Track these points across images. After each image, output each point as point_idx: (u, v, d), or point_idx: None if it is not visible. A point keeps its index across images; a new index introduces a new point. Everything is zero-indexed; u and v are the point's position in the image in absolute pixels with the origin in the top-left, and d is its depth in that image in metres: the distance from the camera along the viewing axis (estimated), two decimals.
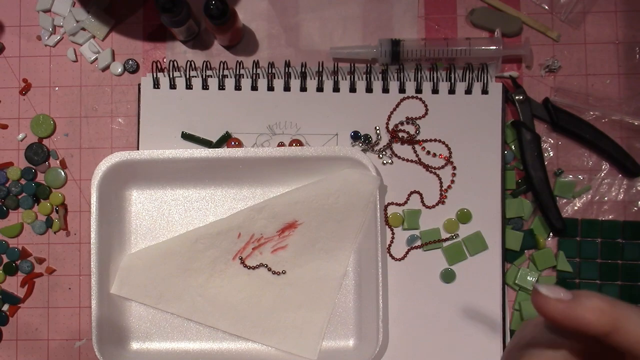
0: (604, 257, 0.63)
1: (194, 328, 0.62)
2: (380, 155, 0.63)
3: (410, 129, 0.63)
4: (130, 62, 0.65)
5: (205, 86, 0.63)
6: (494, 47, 0.62)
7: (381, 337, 0.57)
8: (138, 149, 0.63)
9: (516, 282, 0.62)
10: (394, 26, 0.65)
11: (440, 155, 0.63)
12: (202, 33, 0.65)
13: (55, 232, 0.64)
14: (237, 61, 0.63)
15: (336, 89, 0.63)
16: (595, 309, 0.22)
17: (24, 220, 0.64)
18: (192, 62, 0.63)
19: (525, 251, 0.63)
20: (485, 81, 0.62)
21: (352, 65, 0.63)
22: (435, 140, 0.63)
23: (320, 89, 0.63)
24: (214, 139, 0.63)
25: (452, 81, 0.63)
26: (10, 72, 0.65)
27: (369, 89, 0.63)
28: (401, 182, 0.63)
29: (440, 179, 0.63)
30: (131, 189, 0.62)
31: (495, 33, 0.63)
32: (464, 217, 0.62)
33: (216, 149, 0.61)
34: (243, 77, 0.63)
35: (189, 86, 0.63)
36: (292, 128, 0.63)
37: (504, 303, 0.61)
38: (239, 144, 0.63)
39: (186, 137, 0.63)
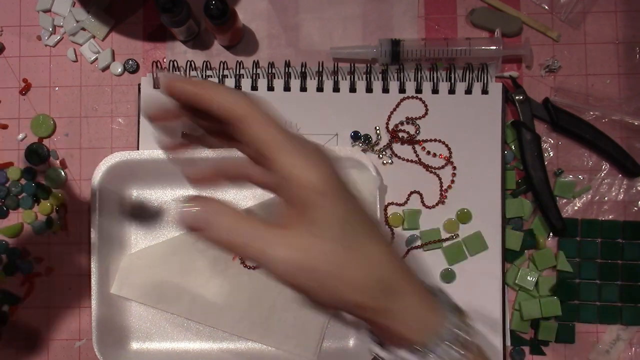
0: (604, 257, 0.63)
1: (194, 328, 0.62)
2: (380, 155, 0.63)
3: (410, 129, 0.63)
4: (130, 62, 0.65)
5: None
6: (494, 47, 0.62)
7: None
8: (138, 149, 0.63)
9: (516, 282, 0.62)
10: (394, 26, 0.65)
11: (440, 155, 0.63)
12: (202, 33, 0.65)
13: (55, 232, 0.64)
14: (237, 61, 0.63)
15: (336, 89, 0.63)
16: (192, 82, 0.30)
17: (24, 220, 0.64)
18: (192, 62, 0.63)
19: (525, 251, 0.63)
20: (485, 81, 0.62)
21: (352, 65, 0.63)
22: (435, 140, 0.63)
23: (320, 89, 0.63)
24: None
25: (452, 81, 0.63)
26: (10, 72, 0.65)
27: (369, 89, 0.63)
28: (401, 182, 0.63)
29: (440, 179, 0.63)
30: (131, 189, 0.62)
31: (495, 33, 0.63)
32: (464, 217, 0.62)
33: (216, 149, 0.61)
34: (243, 77, 0.63)
35: None
36: (292, 128, 0.63)
37: (504, 303, 0.61)
38: None
39: (187, 137, 0.63)
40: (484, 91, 0.62)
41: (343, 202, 0.30)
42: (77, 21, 0.65)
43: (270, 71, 0.63)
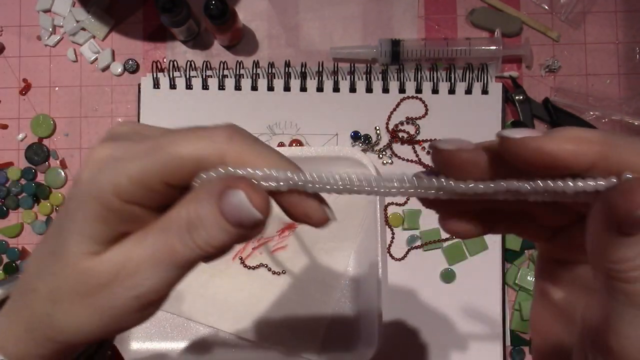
0: None
1: (194, 328, 0.62)
2: (380, 155, 0.63)
3: (410, 129, 0.63)
4: (130, 62, 0.65)
5: (205, 86, 0.63)
6: (494, 47, 0.62)
7: (381, 337, 0.57)
8: None
9: (516, 282, 0.62)
10: (394, 26, 0.65)
11: None
12: (202, 33, 0.65)
13: None
14: (237, 61, 0.63)
15: (336, 89, 0.63)
16: (574, 138, 0.19)
17: (24, 220, 0.64)
18: (192, 62, 0.63)
19: (526, 251, 0.63)
20: (485, 81, 0.62)
21: (352, 65, 0.63)
22: (435, 140, 0.63)
23: (320, 89, 0.63)
24: None
25: (452, 81, 0.63)
26: (10, 72, 0.65)
27: (369, 89, 0.63)
28: None
29: None
30: None
31: (495, 33, 0.63)
32: None
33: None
34: (243, 77, 0.63)
35: (189, 86, 0.63)
36: (292, 128, 0.63)
37: (504, 303, 0.61)
38: None
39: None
40: (484, 91, 0.62)
41: None
42: (77, 21, 0.65)
43: (270, 71, 0.63)
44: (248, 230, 0.22)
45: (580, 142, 0.19)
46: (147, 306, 0.23)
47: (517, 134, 0.20)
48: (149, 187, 0.22)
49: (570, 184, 0.19)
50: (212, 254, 0.22)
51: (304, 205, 0.24)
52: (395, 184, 0.23)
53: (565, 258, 0.25)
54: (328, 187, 0.23)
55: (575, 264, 0.24)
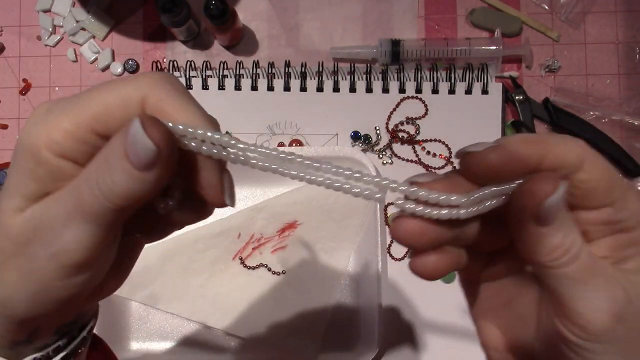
0: None
1: (194, 328, 0.62)
2: (380, 155, 0.63)
3: (410, 129, 0.63)
4: (130, 62, 0.65)
5: (205, 86, 0.63)
6: (494, 47, 0.62)
7: (381, 337, 0.57)
8: None
9: None
10: (394, 26, 0.65)
11: (440, 155, 0.63)
12: (202, 33, 0.65)
13: None
14: (237, 61, 0.63)
15: (336, 89, 0.63)
16: (520, 142, 0.22)
17: None
18: (192, 62, 0.63)
19: None
20: (485, 81, 0.62)
21: (352, 65, 0.63)
22: (435, 140, 0.63)
23: (320, 89, 0.63)
24: None
25: (452, 81, 0.63)
26: (10, 72, 0.65)
27: (369, 89, 0.63)
28: None
29: None
30: None
31: (495, 33, 0.63)
32: None
33: None
34: (243, 77, 0.63)
35: (189, 86, 0.63)
36: (292, 128, 0.63)
37: None
38: None
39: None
40: (484, 91, 0.62)
41: None
42: (77, 21, 0.65)
43: (270, 71, 0.63)
44: (152, 170, 0.20)
45: (528, 145, 0.21)
46: (71, 270, 0.22)
47: (474, 147, 0.22)
48: (81, 138, 0.21)
49: (494, 188, 0.21)
50: (121, 206, 0.21)
51: (206, 173, 0.23)
52: (328, 173, 0.22)
53: (494, 277, 0.26)
54: (252, 159, 0.22)
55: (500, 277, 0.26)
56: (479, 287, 0.27)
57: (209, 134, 0.21)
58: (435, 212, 0.21)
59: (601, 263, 0.23)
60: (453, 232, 0.22)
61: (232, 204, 0.23)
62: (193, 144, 0.21)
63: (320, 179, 0.22)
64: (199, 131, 0.21)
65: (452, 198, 0.21)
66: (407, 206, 0.21)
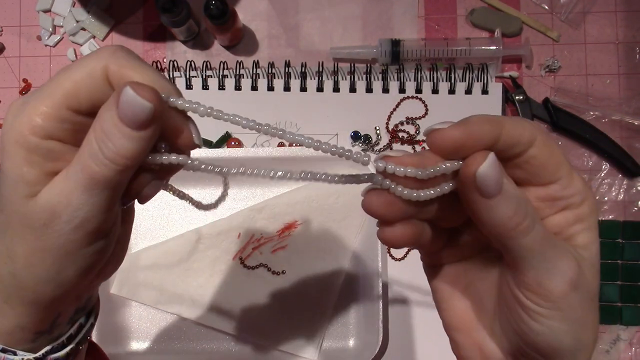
0: (604, 257, 0.62)
1: (194, 328, 0.62)
2: None
3: (410, 129, 0.63)
4: None
5: (205, 86, 0.63)
6: (494, 47, 0.62)
7: (381, 337, 0.57)
8: None
9: None
10: (394, 26, 0.65)
11: None
12: (202, 33, 0.65)
13: None
14: (237, 61, 0.63)
15: (336, 89, 0.63)
16: (480, 121, 0.24)
17: None
18: (192, 62, 0.63)
19: None
20: (485, 81, 0.62)
21: (352, 65, 0.63)
22: None
23: (320, 89, 0.63)
24: (214, 139, 0.63)
25: (452, 81, 0.63)
26: (10, 72, 0.66)
27: (369, 89, 0.63)
28: None
29: None
30: None
31: (495, 33, 0.63)
32: None
33: (216, 149, 0.61)
34: (243, 77, 0.63)
35: (189, 86, 0.63)
36: (292, 128, 0.63)
37: None
38: (239, 144, 0.63)
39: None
40: (484, 91, 0.62)
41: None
42: (77, 21, 0.65)
43: (270, 71, 0.63)
44: (148, 127, 0.23)
45: (486, 124, 0.24)
46: (93, 237, 0.24)
47: (440, 125, 0.25)
48: (60, 117, 0.23)
49: (443, 166, 0.24)
50: (128, 165, 0.23)
51: (179, 125, 0.25)
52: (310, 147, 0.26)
53: (451, 260, 0.29)
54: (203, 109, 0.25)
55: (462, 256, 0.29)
56: (441, 270, 0.29)
57: (179, 101, 0.24)
58: (400, 189, 0.23)
59: (554, 236, 0.25)
60: (416, 207, 0.25)
61: (200, 145, 0.26)
62: (172, 99, 0.24)
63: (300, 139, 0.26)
64: (172, 99, 0.24)
65: (409, 170, 0.23)
66: (377, 180, 0.24)
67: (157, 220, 0.62)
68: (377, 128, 0.63)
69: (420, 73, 0.63)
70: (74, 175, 0.23)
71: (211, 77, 0.63)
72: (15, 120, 0.23)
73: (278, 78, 0.63)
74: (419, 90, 0.63)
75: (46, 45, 0.66)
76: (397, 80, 0.63)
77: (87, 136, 0.23)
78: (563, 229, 0.26)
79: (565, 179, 0.25)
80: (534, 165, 0.25)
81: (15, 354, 0.26)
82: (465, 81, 0.63)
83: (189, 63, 0.63)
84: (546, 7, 0.65)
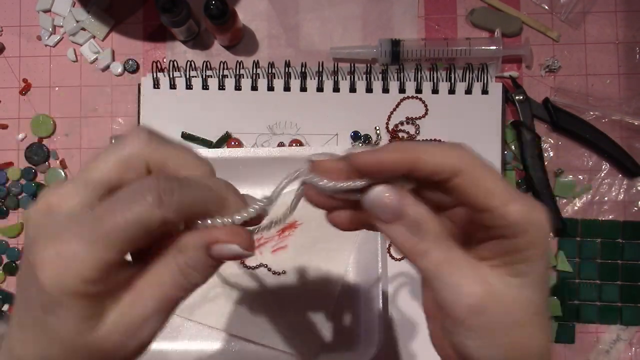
0: (604, 257, 0.63)
1: (194, 328, 0.62)
2: None
3: (410, 129, 0.63)
4: (130, 62, 0.65)
5: (205, 86, 0.63)
6: (494, 47, 0.62)
7: (381, 338, 0.57)
8: None
9: None
10: (394, 26, 0.65)
11: None
12: (202, 33, 0.65)
13: None
14: (237, 61, 0.63)
15: (336, 89, 0.63)
16: (391, 149, 0.26)
17: (24, 220, 0.64)
18: (192, 62, 0.63)
19: None
20: (485, 81, 0.62)
21: (352, 65, 0.63)
22: (435, 140, 0.63)
23: (320, 89, 0.63)
24: (214, 139, 0.63)
25: (452, 81, 0.63)
26: (10, 72, 0.65)
27: (369, 89, 0.63)
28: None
29: None
30: None
31: (495, 33, 0.63)
32: None
33: (216, 149, 0.61)
34: (243, 77, 0.63)
35: (189, 86, 0.63)
36: (292, 128, 0.63)
37: None
38: (239, 144, 0.63)
39: (186, 137, 0.63)
40: (484, 91, 0.62)
41: (547, 267, 0.28)
42: (77, 21, 0.65)
43: (270, 71, 0.63)
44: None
45: (396, 152, 0.26)
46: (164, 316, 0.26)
47: (357, 150, 0.27)
48: (111, 263, 0.23)
49: (344, 185, 0.27)
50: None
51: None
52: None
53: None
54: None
55: None
56: None
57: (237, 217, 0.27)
58: (319, 182, 0.28)
59: (464, 261, 0.26)
60: (343, 198, 0.28)
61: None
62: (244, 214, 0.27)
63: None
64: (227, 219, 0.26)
65: (320, 183, 0.28)
66: (306, 178, 0.29)
67: None
68: (377, 128, 0.63)
69: (420, 73, 0.63)
70: (151, 302, 0.24)
71: (211, 77, 0.63)
72: (62, 279, 0.22)
73: (278, 78, 0.63)
74: (419, 90, 0.63)
75: (46, 45, 0.66)
76: (397, 80, 0.63)
77: (166, 266, 0.25)
78: (496, 255, 0.26)
79: (499, 209, 0.25)
80: (460, 194, 0.26)
81: None
82: (465, 81, 0.62)
83: (189, 63, 0.63)
84: (546, 7, 0.65)
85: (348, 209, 0.28)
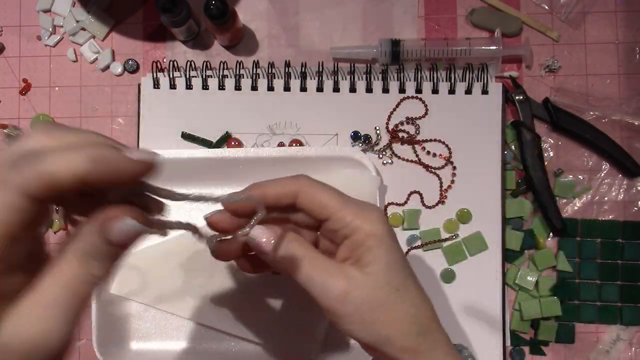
0: (604, 257, 0.63)
1: (194, 328, 0.62)
2: (380, 155, 0.63)
3: (410, 129, 0.63)
4: (130, 62, 0.65)
5: (205, 86, 0.63)
6: (494, 47, 0.62)
7: None
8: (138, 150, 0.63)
9: (516, 282, 0.62)
10: (394, 26, 0.65)
11: (440, 155, 0.63)
12: (202, 33, 0.65)
13: (55, 232, 0.64)
14: (237, 61, 0.63)
15: (336, 89, 0.63)
16: (250, 189, 0.36)
17: None
18: (192, 62, 0.63)
19: (525, 251, 0.63)
20: (485, 81, 0.62)
21: (352, 65, 0.63)
22: (435, 140, 0.63)
23: (320, 89, 0.63)
24: (214, 139, 0.63)
25: (452, 81, 0.63)
26: (10, 72, 0.66)
27: (369, 89, 0.63)
28: (401, 182, 0.63)
29: (440, 179, 0.63)
30: None
31: (495, 33, 0.63)
32: (464, 217, 0.62)
33: (216, 149, 0.61)
34: (243, 77, 0.63)
35: (189, 86, 0.63)
36: (292, 128, 0.63)
37: (504, 303, 0.61)
38: (239, 144, 0.63)
39: (186, 137, 0.63)
40: (484, 91, 0.62)
41: (394, 250, 0.35)
42: (77, 21, 0.65)
43: (270, 71, 0.63)
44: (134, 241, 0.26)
45: (249, 192, 0.35)
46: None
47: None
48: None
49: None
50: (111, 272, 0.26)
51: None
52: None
53: None
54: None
55: None
56: None
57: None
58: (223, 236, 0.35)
59: (329, 264, 0.34)
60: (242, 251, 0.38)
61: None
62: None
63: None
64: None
65: (210, 234, 0.36)
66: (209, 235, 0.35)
67: None
68: (377, 128, 0.63)
69: (420, 73, 0.63)
70: (54, 301, 0.23)
71: (211, 77, 0.63)
72: None
73: (278, 78, 0.63)
74: (419, 90, 0.63)
75: (46, 45, 0.66)
76: (397, 80, 0.63)
77: (64, 258, 0.24)
78: (351, 252, 0.34)
79: (335, 215, 0.34)
80: (305, 209, 0.34)
81: None
82: (465, 81, 0.63)
83: (189, 63, 0.63)
84: (546, 7, 0.65)
85: (247, 256, 0.36)
